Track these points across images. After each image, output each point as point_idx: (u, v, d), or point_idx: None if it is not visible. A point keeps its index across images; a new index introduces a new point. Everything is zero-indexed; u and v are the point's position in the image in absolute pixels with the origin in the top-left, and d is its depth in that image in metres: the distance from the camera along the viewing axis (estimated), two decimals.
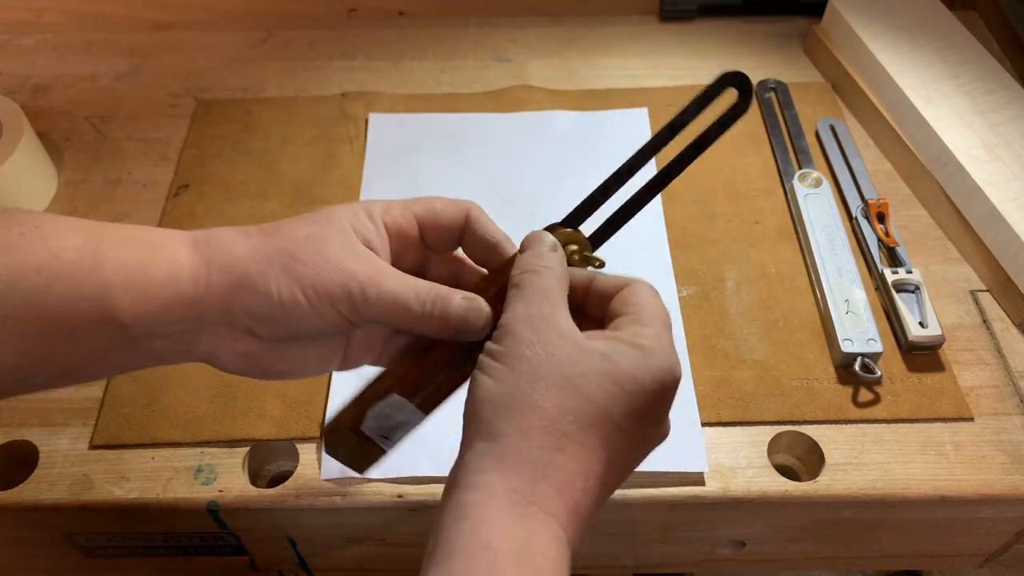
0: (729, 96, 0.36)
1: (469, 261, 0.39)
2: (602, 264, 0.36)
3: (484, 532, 0.29)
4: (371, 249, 0.35)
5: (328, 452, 0.38)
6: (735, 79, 0.37)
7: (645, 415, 0.32)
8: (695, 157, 0.37)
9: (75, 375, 0.34)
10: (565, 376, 0.31)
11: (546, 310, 0.32)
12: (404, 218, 0.37)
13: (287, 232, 0.34)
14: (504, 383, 0.31)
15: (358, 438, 0.37)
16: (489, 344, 0.33)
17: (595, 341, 0.32)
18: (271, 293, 0.33)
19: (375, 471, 0.47)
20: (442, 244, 0.38)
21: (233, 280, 0.33)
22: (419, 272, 0.38)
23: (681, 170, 0.37)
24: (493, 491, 0.30)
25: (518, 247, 0.36)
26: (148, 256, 0.33)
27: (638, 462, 0.34)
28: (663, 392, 0.32)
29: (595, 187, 0.37)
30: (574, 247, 0.36)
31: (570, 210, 0.37)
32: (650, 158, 0.39)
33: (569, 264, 0.36)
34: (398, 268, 0.35)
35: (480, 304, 0.34)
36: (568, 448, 0.30)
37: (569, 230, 0.37)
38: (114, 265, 0.32)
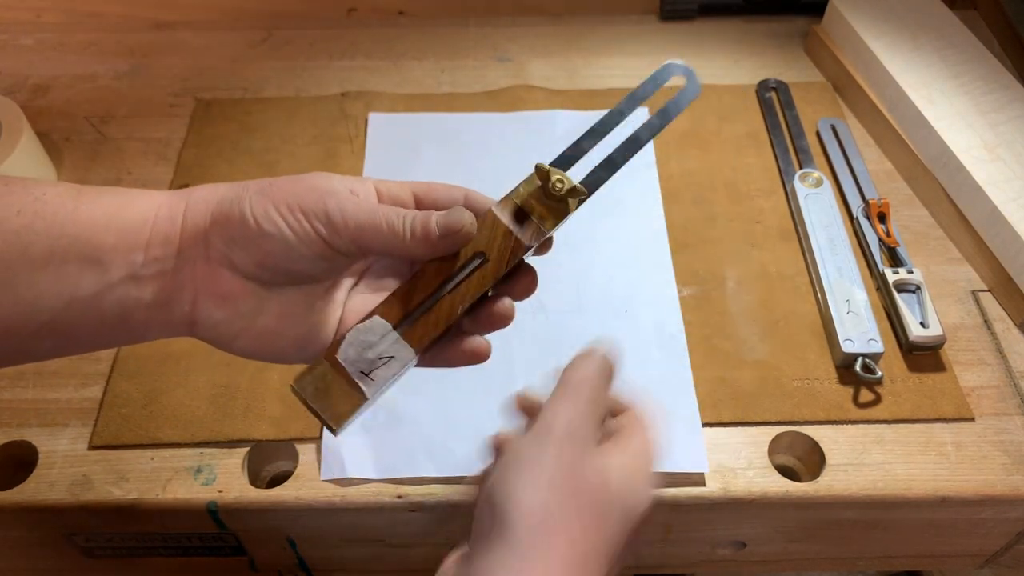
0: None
1: None
2: (586, 195, 0.36)
3: None
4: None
5: (297, 391, 0.34)
6: (679, 69, 0.40)
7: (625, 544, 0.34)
8: (661, 126, 0.40)
9: (63, 333, 0.33)
10: (596, 511, 0.32)
11: (575, 416, 0.33)
12: (400, 189, 0.36)
13: (264, 180, 0.34)
14: (541, 489, 0.31)
15: (333, 371, 0.34)
16: (519, 439, 0.33)
17: (613, 475, 0.33)
18: (245, 214, 0.32)
19: (369, 465, 0.46)
20: None
21: (208, 209, 0.33)
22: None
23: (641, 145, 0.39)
24: None
25: None
26: (127, 199, 0.33)
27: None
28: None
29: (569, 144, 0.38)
30: (559, 176, 0.35)
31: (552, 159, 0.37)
32: (606, 134, 0.41)
33: (552, 192, 0.35)
34: None
35: (461, 211, 0.34)
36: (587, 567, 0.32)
37: (556, 168, 0.36)
38: (95, 206, 0.33)
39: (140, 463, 0.49)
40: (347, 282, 0.37)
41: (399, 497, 0.47)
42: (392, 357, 0.34)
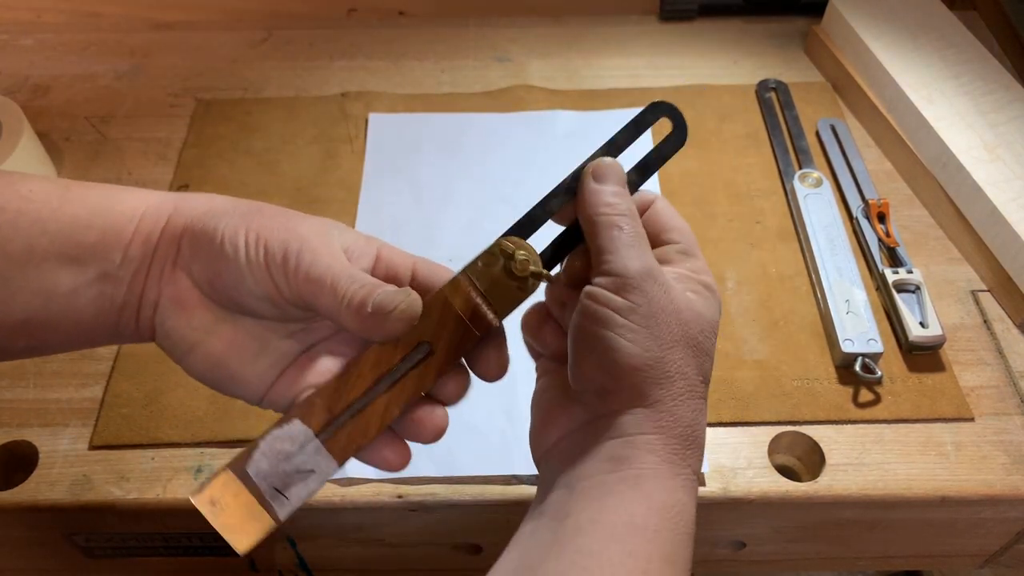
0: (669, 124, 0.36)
1: None
2: (550, 279, 0.33)
3: (646, 484, 0.31)
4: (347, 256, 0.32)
5: (196, 504, 0.29)
6: (667, 110, 0.36)
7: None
8: (640, 184, 0.35)
9: (38, 331, 0.32)
10: (692, 337, 0.32)
11: (653, 261, 0.32)
12: (403, 261, 0.34)
13: (268, 206, 0.33)
14: (647, 347, 0.31)
15: (240, 485, 0.29)
16: (616, 299, 0.31)
17: (687, 293, 0.33)
18: (217, 228, 0.32)
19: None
20: None
21: (193, 215, 0.33)
22: None
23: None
24: (654, 449, 0.31)
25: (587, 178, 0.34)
26: (115, 196, 0.33)
27: None
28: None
29: (536, 203, 0.34)
30: (524, 255, 0.32)
31: (516, 221, 0.33)
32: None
33: (515, 275, 0.32)
34: None
35: (407, 292, 0.30)
36: (703, 407, 0.33)
37: (521, 240, 0.33)
38: (80, 204, 0.32)
39: (140, 463, 0.49)
40: (311, 336, 0.34)
41: (399, 497, 0.47)
42: (311, 471, 0.29)
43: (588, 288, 0.32)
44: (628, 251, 0.32)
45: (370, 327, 0.30)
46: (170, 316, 0.33)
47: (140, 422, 0.50)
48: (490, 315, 0.32)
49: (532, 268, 0.32)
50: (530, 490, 0.47)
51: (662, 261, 0.34)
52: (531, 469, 0.48)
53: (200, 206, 0.33)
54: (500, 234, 0.33)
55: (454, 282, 0.31)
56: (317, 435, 0.29)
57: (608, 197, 0.33)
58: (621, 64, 0.75)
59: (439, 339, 0.31)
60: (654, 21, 0.80)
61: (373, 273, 0.33)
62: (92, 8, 0.80)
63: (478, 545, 0.53)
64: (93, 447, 0.49)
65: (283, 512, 0.29)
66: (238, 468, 0.29)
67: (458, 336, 0.31)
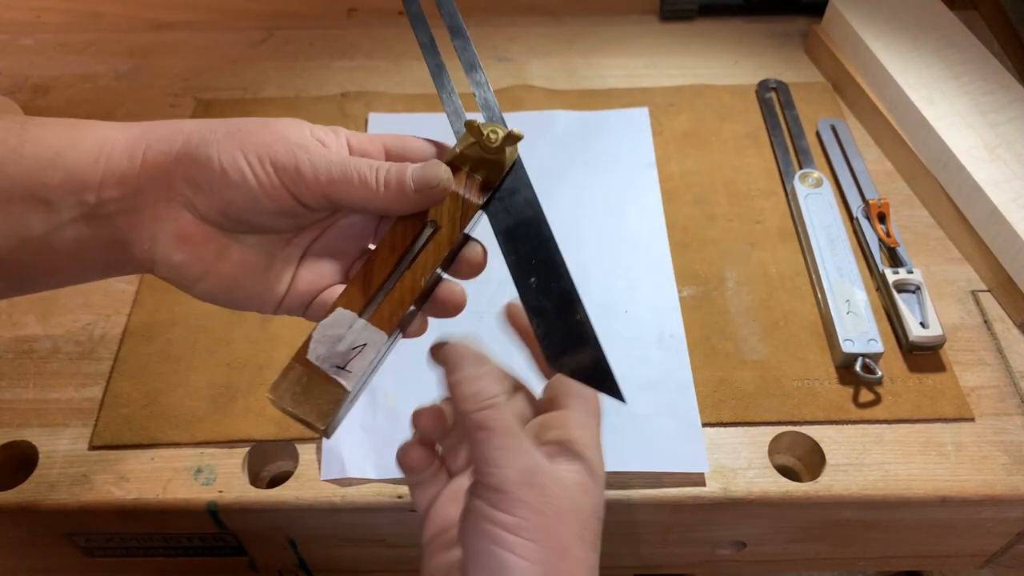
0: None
1: None
2: (521, 136, 0.35)
3: None
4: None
5: (274, 400, 0.32)
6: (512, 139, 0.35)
7: None
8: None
9: (16, 274, 0.32)
10: (580, 537, 0.31)
11: (530, 459, 0.31)
12: (371, 142, 0.35)
13: (230, 120, 0.33)
14: (539, 562, 0.30)
15: (307, 371, 0.32)
16: (501, 516, 0.30)
17: (563, 476, 0.32)
18: (211, 158, 0.31)
19: (368, 467, 0.46)
20: None
21: (172, 148, 0.32)
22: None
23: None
24: None
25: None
26: (76, 135, 0.32)
27: None
28: None
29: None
30: (491, 128, 0.35)
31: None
32: None
33: (488, 145, 0.34)
34: None
35: (438, 165, 0.33)
36: None
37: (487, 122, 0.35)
38: (39, 144, 0.31)
39: (140, 463, 0.49)
40: (304, 239, 0.36)
41: (399, 497, 0.47)
42: (364, 344, 0.33)
43: (473, 502, 0.31)
44: (501, 456, 0.31)
45: (413, 202, 0.33)
46: (175, 253, 0.32)
47: (140, 422, 0.50)
48: (479, 183, 0.35)
49: (502, 134, 0.34)
50: None
51: (555, 446, 0.33)
52: None
53: (173, 136, 0.33)
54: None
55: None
56: (360, 315, 0.33)
57: (466, 388, 0.32)
58: (621, 64, 0.75)
59: (442, 216, 0.34)
60: (654, 21, 0.80)
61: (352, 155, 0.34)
62: (92, 8, 0.80)
63: None
64: (93, 447, 0.49)
65: (349, 383, 0.32)
66: (300, 358, 0.32)
67: (458, 209, 0.34)
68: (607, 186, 0.63)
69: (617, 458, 0.48)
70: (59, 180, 0.31)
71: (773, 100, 0.70)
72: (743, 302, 0.56)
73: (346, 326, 0.33)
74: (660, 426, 0.49)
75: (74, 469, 0.48)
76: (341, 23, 0.80)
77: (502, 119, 0.37)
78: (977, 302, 0.56)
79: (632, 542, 0.53)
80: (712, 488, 0.47)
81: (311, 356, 0.32)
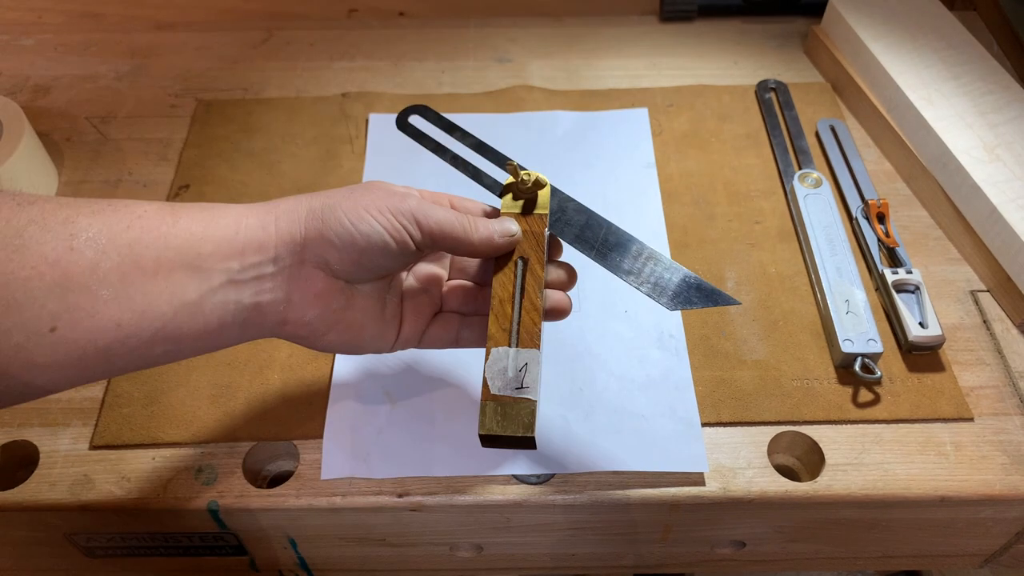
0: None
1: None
2: (547, 183, 0.44)
3: None
4: None
5: (484, 434, 0.38)
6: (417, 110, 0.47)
7: None
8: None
9: (171, 337, 0.35)
10: None
11: None
12: (437, 196, 0.43)
13: (334, 191, 0.39)
14: None
15: (497, 403, 0.39)
16: None
17: None
18: (339, 217, 0.37)
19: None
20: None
21: (301, 217, 0.37)
22: None
23: None
24: None
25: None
26: (216, 212, 0.37)
27: None
28: None
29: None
30: (524, 173, 0.43)
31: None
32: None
33: (521, 187, 0.44)
34: None
35: (509, 220, 0.42)
36: None
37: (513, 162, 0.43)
38: (190, 220, 0.36)
39: (141, 463, 0.49)
40: (399, 281, 0.43)
41: (399, 497, 0.47)
42: (526, 363, 0.39)
43: None
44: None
45: (498, 248, 0.41)
46: (309, 309, 0.38)
47: (140, 422, 0.50)
48: (535, 214, 0.44)
49: (533, 177, 0.43)
50: (530, 489, 0.48)
51: None
52: (531, 469, 0.48)
53: (298, 208, 0.38)
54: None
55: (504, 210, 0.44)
56: (510, 347, 0.40)
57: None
58: (621, 64, 0.75)
59: (525, 250, 0.42)
60: (654, 21, 0.80)
61: None
62: (93, 8, 0.80)
63: (478, 545, 0.54)
64: (93, 447, 0.49)
65: (533, 394, 0.39)
66: (487, 397, 0.39)
67: (533, 241, 0.42)
68: (607, 186, 0.63)
69: (617, 458, 0.48)
70: (210, 250, 0.36)
71: (772, 100, 0.70)
72: (743, 302, 0.56)
73: (505, 358, 0.40)
74: (660, 426, 0.49)
75: (75, 469, 0.49)
76: (341, 23, 0.80)
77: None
78: (976, 302, 0.56)
79: (632, 542, 0.53)
80: (711, 488, 0.48)
81: (494, 391, 0.39)
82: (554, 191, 0.45)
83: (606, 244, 0.44)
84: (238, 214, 0.37)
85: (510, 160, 0.43)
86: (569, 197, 0.45)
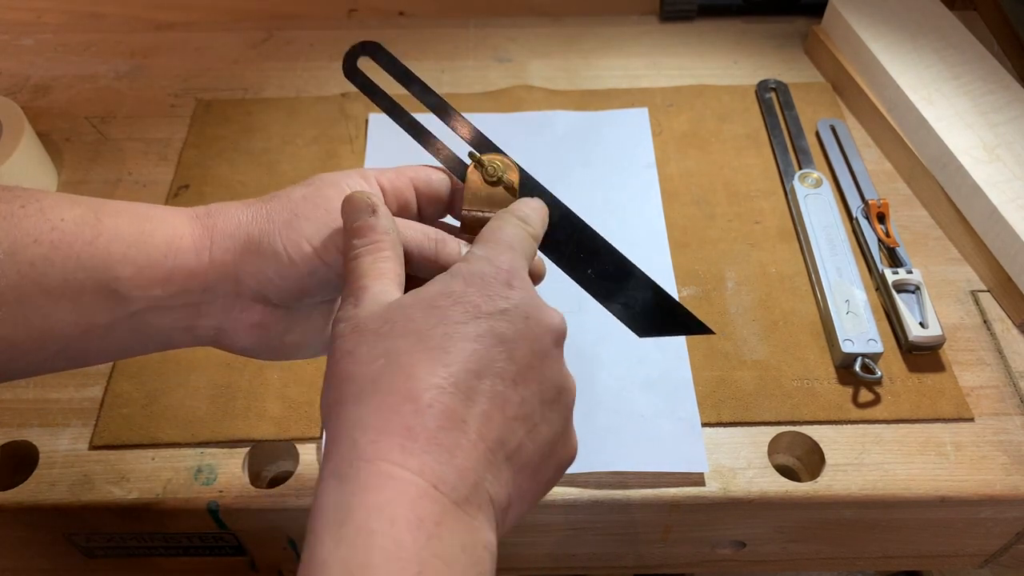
0: None
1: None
2: (519, 168, 0.38)
3: None
4: None
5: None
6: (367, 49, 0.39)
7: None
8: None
9: (76, 356, 0.33)
10: (438, 348, 0.29)
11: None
12: (399, 180, 0.37)
13: (284, 196, 0.35)
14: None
15: None
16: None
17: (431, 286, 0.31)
18: (278, 252, 0.33)
19: None
20: (434, 211, 0.38)
21: (237, 246, 0.33)
22: None
23: None
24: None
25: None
26: (148, 227, 0.33)
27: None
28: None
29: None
30: (493, 162, 0.38)
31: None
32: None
33: (488, 178, 0.38)
34: None
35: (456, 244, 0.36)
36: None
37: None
38: (113, 236, 0.32)
39: (140, 463, 0.49)
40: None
41: None
42: None
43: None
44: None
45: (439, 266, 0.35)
46: (246, 337, 0.35)
47: (140, 422, 0.50)
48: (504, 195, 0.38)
49: (503, 168, 0.38)
50: None
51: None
52: None
53: (235, 232, 0.34)
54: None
55: (466, 199, 0.38)
56: None
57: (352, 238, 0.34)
58: (621, 64, 0.75)
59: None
60: (654, 21, 0.80)
61: (386, 202, 0.36)
62: (92, 8, 0.80)
63: None
64: (93, 447, 0.49)
65: None
66: None
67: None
68: (607, 186, 0.63)
69: (617, 458, 0.48)
70: (130, 273, 0.32)
71: (773, 100, 0.70)
72: (743, 302, 0.56)
73: None
74: (660, 426, 0.49)
75: (74, 469, 0.49)
76: (341, 23, 0.80)
77: (490, 143, 0.40)
78: (976, 302, 0.56)
79: (631, 542, 0.53)
80: (712, 488, 0.47)
81: None
82: (527, 181, 0.39)
83: (580, 252, 0.38)
84: (172, 233, 0.33)
85: (473, 152, 0.38)
86: (544, 189, 0.39)
